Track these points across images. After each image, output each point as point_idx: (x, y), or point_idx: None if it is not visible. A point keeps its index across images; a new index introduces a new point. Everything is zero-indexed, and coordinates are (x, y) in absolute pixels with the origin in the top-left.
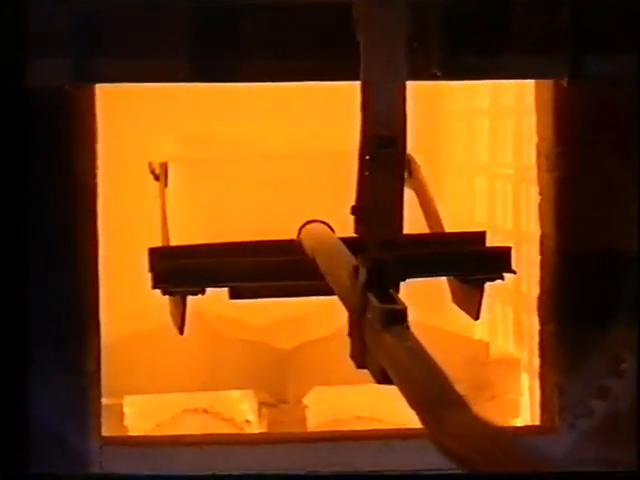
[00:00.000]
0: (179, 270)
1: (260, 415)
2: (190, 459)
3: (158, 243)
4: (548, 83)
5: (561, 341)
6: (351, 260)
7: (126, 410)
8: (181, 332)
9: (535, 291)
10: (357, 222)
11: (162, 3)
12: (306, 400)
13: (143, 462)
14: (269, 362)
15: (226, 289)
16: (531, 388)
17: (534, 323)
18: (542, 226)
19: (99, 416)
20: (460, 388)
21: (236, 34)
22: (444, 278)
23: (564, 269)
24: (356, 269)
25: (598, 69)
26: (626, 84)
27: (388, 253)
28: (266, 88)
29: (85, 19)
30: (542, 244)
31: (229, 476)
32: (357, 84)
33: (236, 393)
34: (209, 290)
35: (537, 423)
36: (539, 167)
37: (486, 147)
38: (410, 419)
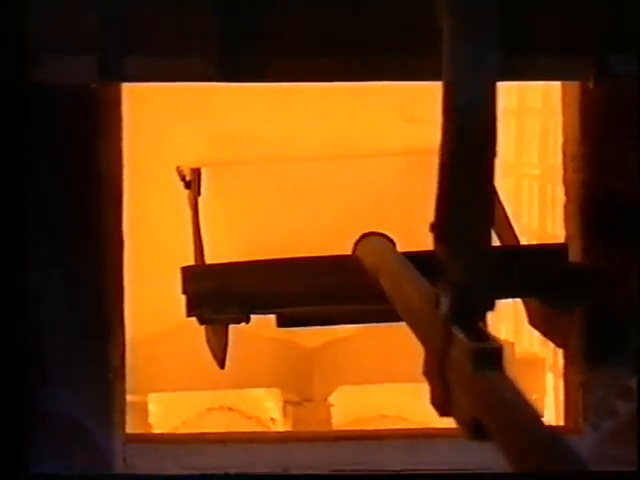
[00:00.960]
0: (218, 294)
1: (285, 413)
2: (214, 457)
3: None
4: (574, 84)
5: (586, 341)
6: (424, 283)
7: (151, 407)
8: (222, 366)
9: None
10: (437, 240)
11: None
12: (331, 399)
13: (167, 459)
14: (295, 360)
15: (272, 315)
16: (556, 388)
17: None
18: (567, 227)
19: (124, 412)
20: None
21: (267, 30)
22: None
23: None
24: (437, 297)
25: (624, 70)
26: None
27: (476, 277)
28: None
29: (112, 17)
30: None
31: (244, 476)
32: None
33: (261, 391)
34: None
35: (561, 423)
36: (565, 168)
37: (513, 147)
38: (435, 418)
